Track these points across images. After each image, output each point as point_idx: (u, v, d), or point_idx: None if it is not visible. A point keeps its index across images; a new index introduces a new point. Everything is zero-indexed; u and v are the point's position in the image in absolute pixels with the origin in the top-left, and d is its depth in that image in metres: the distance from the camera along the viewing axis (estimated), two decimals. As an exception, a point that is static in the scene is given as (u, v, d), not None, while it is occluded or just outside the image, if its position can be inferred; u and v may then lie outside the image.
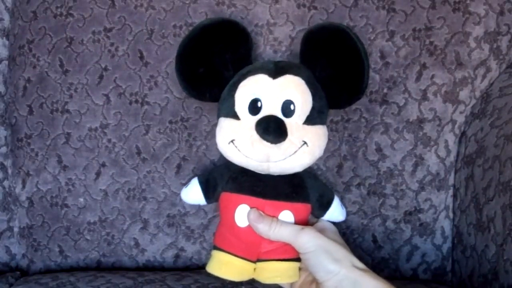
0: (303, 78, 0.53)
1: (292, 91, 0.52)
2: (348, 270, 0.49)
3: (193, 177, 0.58)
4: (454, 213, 0.67)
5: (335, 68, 0.54)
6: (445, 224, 0.67)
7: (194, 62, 0.56)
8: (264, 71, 0.53)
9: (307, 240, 0.50)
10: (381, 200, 0.66)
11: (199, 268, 0.67)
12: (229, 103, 0.53)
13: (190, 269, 0.67)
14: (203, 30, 0.56)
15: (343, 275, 0.49)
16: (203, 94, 0.57)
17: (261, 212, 0.52)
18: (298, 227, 0.51)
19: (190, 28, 0.60)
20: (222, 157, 0.64)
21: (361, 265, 0.50)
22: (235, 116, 0.53)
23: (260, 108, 0.52)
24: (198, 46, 0.55)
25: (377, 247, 0.67)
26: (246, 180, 0.53)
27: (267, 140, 0.50)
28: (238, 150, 0.52)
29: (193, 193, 0.56)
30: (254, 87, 0.53)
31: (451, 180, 0.67)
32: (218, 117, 0.55)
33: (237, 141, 0.52)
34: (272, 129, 0.50)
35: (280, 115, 0.52)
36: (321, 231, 0.52)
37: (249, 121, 0.52)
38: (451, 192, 0.67)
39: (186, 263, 0.67)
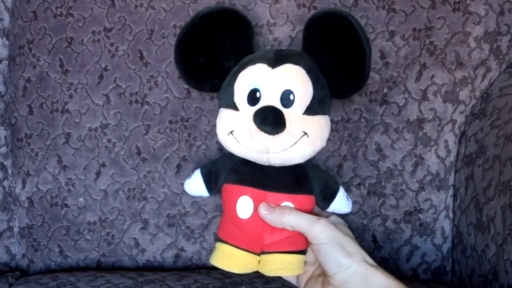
0: (304, 67, 0.52)
1: (291, 80, 0.51)
2: (360, 265, 0.49)
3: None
4: (454, 213, 0.67)
5: (338, 56, 0.53)
6: (445, 224, 0.67)
7: (194, 52, 0.55)
8: (263, 60, 0.52)
9: (322, 231, 0.50)
10: (381, 200, 0.66)
11: (199, 268, 0.67)
12: (228, 94, 0.53)
13: (190, 269, 0.67)
14: (202, 19, 0.55)
15: (354, 270, 0.49)
16: (203, 84, 0.56)
17: (272, 204, 0.51)
18: (314, 217, 0.51)
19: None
20: (222, 157, 0.65)
21: (371, 261, 0.50)
22: (234, 107, 0.52)
23: (259, 98, 0.51)
24: (198, 36, 0.55)
25: (377, 247, 0.67)
26: (247, 171, 0.53)
27: (265, 131, 0.50)
28: (238, 141, 0.51)
29: (195, 185, 0.56)
30: (253, 77, 0.52)
31: (451, 180, 0.67)
32: (219, 107, 0.54)
33: (236, 132, 0.51)
34: (270, 120, 0.49)
35: (279, 105, 0.51)
36: (333, 225, 0.52)
37: (247, 112, 0.51)
38: (451, 192, 0.67)
39: (186, 263, 0.67)
